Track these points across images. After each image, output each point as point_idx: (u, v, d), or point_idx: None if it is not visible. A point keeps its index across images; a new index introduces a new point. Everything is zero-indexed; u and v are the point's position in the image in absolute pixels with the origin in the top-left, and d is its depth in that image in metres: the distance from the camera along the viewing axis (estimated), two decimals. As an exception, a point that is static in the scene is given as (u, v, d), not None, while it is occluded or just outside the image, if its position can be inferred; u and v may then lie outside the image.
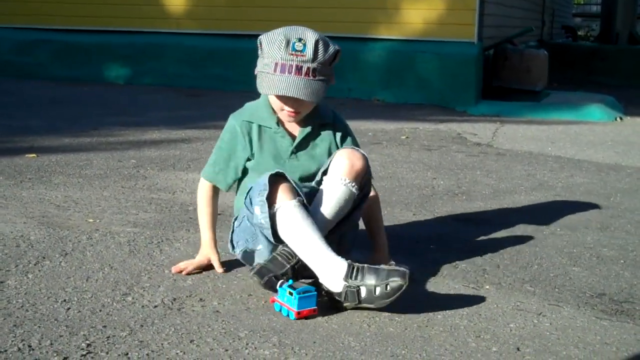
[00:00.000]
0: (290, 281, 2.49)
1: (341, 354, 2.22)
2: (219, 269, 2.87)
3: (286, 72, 2.66)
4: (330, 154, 2.85)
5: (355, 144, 2.96)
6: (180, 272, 2.83)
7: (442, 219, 3.78)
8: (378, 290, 2.47)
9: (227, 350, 2.21)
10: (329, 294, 2.55)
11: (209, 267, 2.89)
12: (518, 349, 2.31)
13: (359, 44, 9.17)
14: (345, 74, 9.17)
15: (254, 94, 2.87)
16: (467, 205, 4.13)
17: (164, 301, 2.57)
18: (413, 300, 2.66)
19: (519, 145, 6.27)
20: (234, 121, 2.87)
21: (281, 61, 2.66)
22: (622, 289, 2.89)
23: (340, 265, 2.52)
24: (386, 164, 5.17)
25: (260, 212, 2.60)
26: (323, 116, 2.91)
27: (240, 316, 2.47)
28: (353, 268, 2.51)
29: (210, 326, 2.38)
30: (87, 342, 2.22)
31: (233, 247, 2.88)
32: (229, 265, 2.91)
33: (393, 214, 3.85)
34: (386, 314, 2.53)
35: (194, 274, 2.83)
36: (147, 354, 2.16)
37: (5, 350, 2.14)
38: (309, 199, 2.69)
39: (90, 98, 8.49)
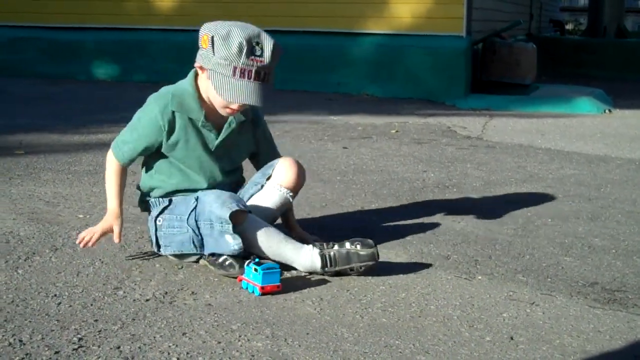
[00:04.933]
0: (257, 259, 2.60)
1: (334, 345, 2.21)
2: (117, 238, 2.86)
3: (245, 78, 2.65)
4: (250, 147, 3.03)
5: (271, 138, 3.14)
6: (86, 244, 2.81)
7: (434, 212, 3.77)
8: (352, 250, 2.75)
9: (219, 342, 2.20)
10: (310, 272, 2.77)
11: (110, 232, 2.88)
12: (511, 338, 2.31)
13: (347, 38, 9.16)
14: (334, 69, 9.17)
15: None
16: (458, 197, 4.12)
17: (156, 295, 2.56)
18: (406, 291, 2.66)
19: (509, 138, 6.27)
20: (156, 108, 2.82)
21: (241, 65, 2.64)
22: (614, 278, 2.89)
23: (309, 247, 2.79)
24: (376, 158, 5.17)
25: (233, 240, 2.66)
26: (245, 112, 2.93)
27: (232, 309, 2.46)
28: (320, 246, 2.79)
29: (203, 319, 2.37)
30: (79, 336, 2.20)
31: (158, 247, 2.88)
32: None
33: (384, 207, 3.85)
34: (379, 304, 2.53)
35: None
36: (139, 347, 2.14)
37: (-4, 345, 2.12)
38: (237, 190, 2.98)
39: (79, 95, 8.45)
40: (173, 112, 2.82)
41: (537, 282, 2.82)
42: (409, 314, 2.47)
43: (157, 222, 2.86)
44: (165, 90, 2.87)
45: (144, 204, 2.99)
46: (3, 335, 2.19)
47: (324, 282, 2.72)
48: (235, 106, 2.77)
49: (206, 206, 2.71)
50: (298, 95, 8.73)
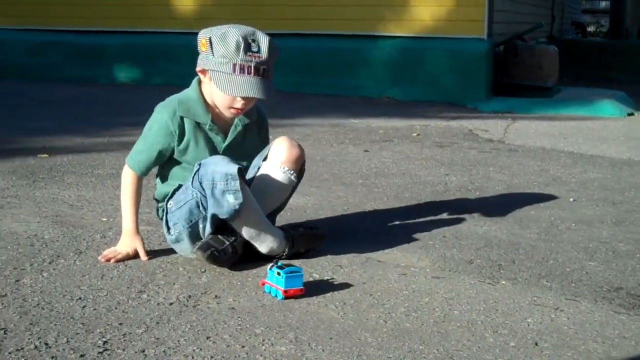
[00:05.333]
0: (280, 263, 2.60)
1: (358, 350, 2.21)
2: (144, 257, 2.92)
3: (245, 73, 2.75)
4: (257, 148, 3.05)
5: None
6: (109, 260, 2.87)
7: (456, 215, 3.76)
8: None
9: (243, 346, 2.20)
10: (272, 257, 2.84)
11: (135, 256, 2.92)
12: (536, 343, 2.29)
13: (368, 41, 9.16)
14: (355, 72, 9.17)
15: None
16: (480, 201, 4.11)
17: (179, 298, 2.56)
18: (429, 296, 2.65)
19: (531, 141, 6.25)
20: (166, 115, 2.90)
21: (240, 62, 2.75)
22: (639, 283, 2.87)
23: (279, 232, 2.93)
24: (398, 161, 5.16)
25: (234, 200, 2.70)
26: (250, 114, 2.99)
27: (255, 312, 2.46)
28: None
29: (226, 323, 2.37)
30: (104, 339, 2.22)
31: (168, 229, 2.91)
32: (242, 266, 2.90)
33: (406, 211, 3.84)
34: (402, 309, 2.52)
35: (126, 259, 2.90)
36: (164, 351, 2.15)
37: (22, 348, 2.14)
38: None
39: (102, 98, 8.50)
40: (181, 118, 2.90)
41: (561, 287, 2.80)
42: (433, 318, 2.46)
43: (168, 206, 2.91)
44: (171, 98, 2.97)
45: (162, 211, 3.01)
46: (29, 339, 2.20)
47: (347, 285, 2.72)
48: (239, 104, 2.84)
49: (209, 167, 2.74)
50: (319, 99, 8.73)
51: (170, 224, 2.89)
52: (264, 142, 3.13)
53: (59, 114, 7.11)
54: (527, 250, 3.23)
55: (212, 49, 2.79)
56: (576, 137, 6.53)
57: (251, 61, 2.75)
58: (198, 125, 2.92)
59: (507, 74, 9.44)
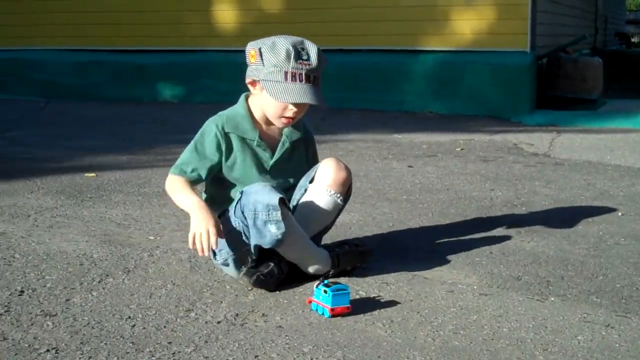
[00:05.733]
0: (326, 281, 2.60)
1: (407, 369, 2.20)
2: (219, 234, 2.71)
3: (297, 81, 2.76)
4: (302, 167, 3.04)
5: (317, 160, 3.15)
6: (203, 252, 2.69)
7: (503, 231, 3.73)
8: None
9: (292, 365, 2.20)
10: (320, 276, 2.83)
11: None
12: (587, 361, 2.26)
13: (410, 56, 9.14)
14: (398, 86, 9.16)
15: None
16: (527, 216, 4.07)
17: (227, 317, 2.57)
18: (477, 313, 2.63)
19: (577, 154, 6.18)
20: (215, 129, 2.89)
21: (291, 70, 2.76)
22: (692, 299, 2.82)
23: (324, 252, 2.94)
24: (442, 177, 5.14)
25: (277, 230, 2.68)
26: (297, 129, 3.00)
27: (303, 331, 2.46)
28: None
29: (274, 341, 2.37)
30: (153, 358, 2.23)
31: (214, 254, 2.89)
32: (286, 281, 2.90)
33: (452, 227, 3.82)
34: (451, 327, 2.50)
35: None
36: (213, 370, 2.16)
37: (74, 368, 2.16)
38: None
39: (146, 117, 8.60)
40: (228, 134, 2.90)
41: (611, 303, 2.76)
42: (481, 336, 2.44)
43: None
44: (220, 114, 2.97)
45: None
46: (80, 358, 2.23)
47: (394, 303, 2.71)
48: (290, 113, 2.84)
49: (251, 196, 2.73)
50: (361, 114, 8.74)
51: (216, 250, 2.87)
52: (313, 160, 3.12)
53: (105, 133, 7.20)
54: (575, 266, 3.19)
55: (262, 59, 2.79)
56: (622, 150, 6.44)
57: (302, 69, 2.76)
58: (245, 141, 2.92)
59: (551, 86, 9.36)
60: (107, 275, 2.98)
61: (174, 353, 2.27)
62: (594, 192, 4.70)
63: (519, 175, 5.23)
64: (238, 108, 2.96)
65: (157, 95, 10.14)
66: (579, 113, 8.58)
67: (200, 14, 9.90)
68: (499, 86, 8.78)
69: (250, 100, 2.96)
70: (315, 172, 2.99)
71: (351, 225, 3.77)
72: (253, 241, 2.75)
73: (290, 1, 9.54)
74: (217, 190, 2.99)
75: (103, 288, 2.83)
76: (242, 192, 2.78)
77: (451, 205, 4.27)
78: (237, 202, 2.78)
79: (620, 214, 4.12)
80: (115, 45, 10.28)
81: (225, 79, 9.72)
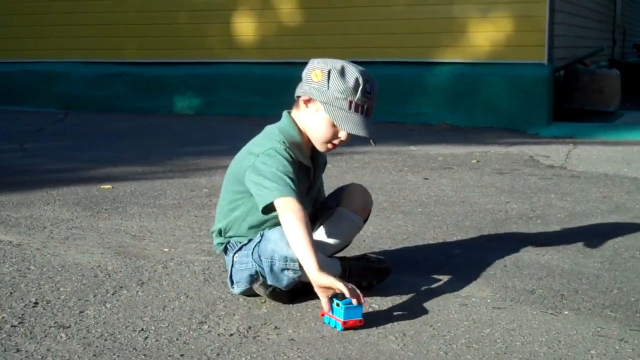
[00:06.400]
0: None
1: (418, 382, 2.19)
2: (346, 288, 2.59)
3: (359, 112, 2.76)
4: (322, 186, 3.12)
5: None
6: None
7: (517, 244, 3.71)
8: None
9: (303, 378, 2.20)
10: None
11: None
12: (601, 376, 2.25)
13: (426, 68, 9.15)
14: (414, 99, 9.16)
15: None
16: (542, 229, 4.05)
17: (240, 329, 2.58)
18: (490, 327, 2.62)
19: (593, 167, 6.15)
20: (284, 152, 2.77)
21: (356, 100, 2.74)
22: None
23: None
24: (458, 189, 5.13)
25: (294, 274, 2.67)
26: (323, 154, 3.01)
27: (315, 344, 2.46)
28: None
29: (286, 354, 2.38)
30: (165, 371, 2.24)
31: (232, 282, 2.89)
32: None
33: (466, 240, 3.81)
34: (463, 340, 2.50)
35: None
36: (224, 383, 2.17)
37: (86, 380, 2.17)
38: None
39: (163, 129, 8.64)
40: (294, 157, 2.81)
41: (626, 317, 2.74)
42: (494, 350, 2.43)
43: (235, 259, 2.88)
44: (275, 136, 2.83)
45: (221, 245, 2.97)
46: (92, 370, 2.24)
47: (407, 316, 2.71)
48: (337, 141, 2.84)
49: (269, 244, 2.70)
50: (377, 126, 8.70)
51: (234, 279, 2.87)
52: (322, 183, 3.16)
53: (121, 145, 7.25)
54: (590, 280, 3.17)
55: (328, 81, 2.73)
56: (639, 162, 6.41)
57: (365, 102, 2.75)
58: (301, 165, 2.85)
59: (568, 98, 9.33)
60: (121, 287, 2.99)
61: (186, 365, 2.28)
62: (610, 205, 4.67)
63: (535, 187, 5.21)
64: (291, 131, 2.84)
65: (174, 107, 10.19)
66: (595, 125, 8.55)
67: (219, 27, 9.95)
68: (516, 98, 8.77)
69: (295, 118, 2.87)
70: (343, 195, 3.07)
71: (365, 238, 3.77)
72: (269, 282, 2.76)
73: (308, 14, 9.56)
74: (249, 217, 2.87)
75: (117, 300, 2.85)
76: (262, 235, 2.76)
77: (466, 218, 4.26)
78: (255, 245, 2.77)
79: (636, 227, 4.09)
80: (134, 57, 10.35)
81: (243, 91, 9.76)
